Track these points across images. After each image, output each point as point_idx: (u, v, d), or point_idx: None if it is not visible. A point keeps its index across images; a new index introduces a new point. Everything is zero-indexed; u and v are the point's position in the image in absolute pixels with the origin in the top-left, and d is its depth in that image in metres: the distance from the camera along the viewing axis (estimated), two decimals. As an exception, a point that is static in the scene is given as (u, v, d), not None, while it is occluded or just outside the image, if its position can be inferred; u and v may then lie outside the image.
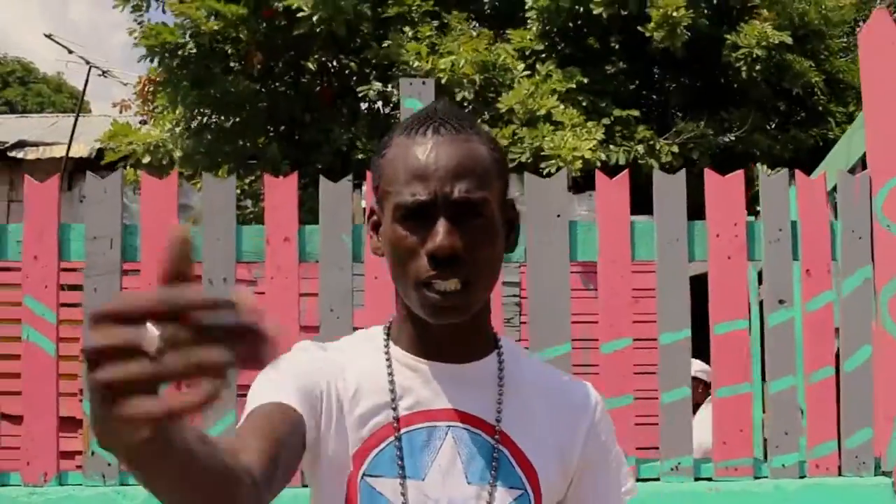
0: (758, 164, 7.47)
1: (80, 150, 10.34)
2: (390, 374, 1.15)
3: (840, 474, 2.91)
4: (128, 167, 8.12)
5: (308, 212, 3.00)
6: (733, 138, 8.16)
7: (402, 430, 1.13)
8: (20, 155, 10.67)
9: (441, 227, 1.06)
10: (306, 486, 1.27)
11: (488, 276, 1.12)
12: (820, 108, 9.03)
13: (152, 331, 0.65)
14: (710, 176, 3.00)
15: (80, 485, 2.92)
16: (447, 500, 1.11)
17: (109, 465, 2.89)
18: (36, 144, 10.78)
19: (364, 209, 3.12)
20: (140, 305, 0.66)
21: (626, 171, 3.03)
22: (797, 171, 3.12)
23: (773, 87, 8.69)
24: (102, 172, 3.09)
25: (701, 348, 3.03)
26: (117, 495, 2.87)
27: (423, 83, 3.03)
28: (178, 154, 7.71)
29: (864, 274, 2.97)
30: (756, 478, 2.91)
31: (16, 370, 2.98)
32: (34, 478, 2.91)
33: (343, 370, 1.16)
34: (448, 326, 1.12)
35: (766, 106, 8.84)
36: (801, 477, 2.91)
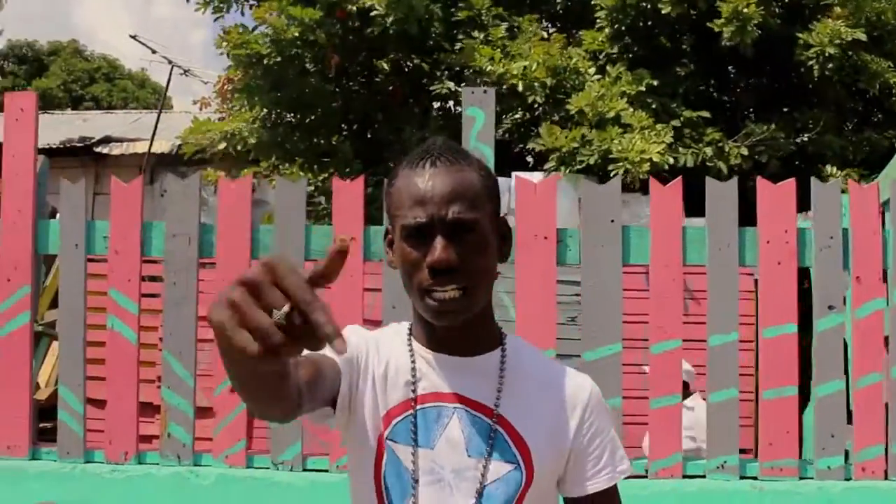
0: (827, 167, 7.39)
1: (162, 146, 10.70)
2: (412, 360, 1.37)
3: (886, 478, 2.96)
4: (203, 165, 8.41)
5: (380, 209, 3.15)
6: (805, 140, 8.06)
7: (418, 406, 1.35)
8: (105, 150, 11.08)
9: (438, 243, 1.28)
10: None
11: (483, 282, 1.33)
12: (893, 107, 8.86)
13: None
14: (761, 183, 3.07)
15: (157, 464, 3.13)
16: (451, 468, 1.33)
17: (184, 446, 3.10)
18: (120, 140, 11.18)
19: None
20: (286, 285, 0.90)
21: (679, 178, 3.12)
22: (850, 181, 3.17)
23: (848, 88, 8.54)
24: (183, 169, 3.30)
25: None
26: (190, 474, 3.07)
27: (485, 91, 3.16)
28: (252, 141, 7.92)
29: (916, 281, 3.02)
30: (801, 478, 2.98)
31: (101, 356, 3.20)
32: (116, 456, 3.13)
33: (378, 349, 1.39)
34: (451, 326, 1.33)
35: (840, 107, 8.70)
36: (847, 479, 2.97)
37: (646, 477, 2.98)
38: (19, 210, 3.21)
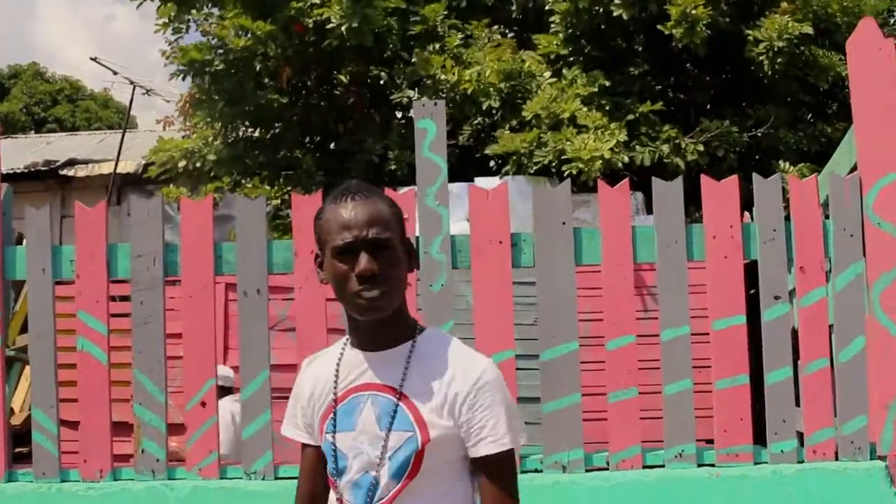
0: (780, 161, 7.55)
1: (128, 166, 10.70)
2: (337, 367, 1.77)
3: (837, 459, 3.09)
4: (169, 183, 8.44)
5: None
6: (759, 135, 8.22)
7: (340, 403, 1.75)
8: (70, 173, 11.06)
9: (362, 257, 1.65)
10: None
11: (397, 286, 1.69)
12: (849, 102, 9.04)
13: None
14: (706, 181, 3.19)
15: (133, 479, 3.20)
16: (368, 441, 1.71)
17: (158, 461, 3.17)
18: (86, 162, 11.17)
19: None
20: None
21: (626, 179, 3.24)
22: (790, 176, 3.30)
23: (801, 82, 8.71)
24: (150, 188, 3.37)
25: (753, 334, 3.19)
26: (165, 488, 3.14)
27: (435, 104, 3.26)
28: (211, 158, 8.00)
29: (857, 269, 3.15)
30: (756, 463, 3.10)
31: (72, 378, 3.26)
32: (91, 474, 3.20)
33: (302, 386, 1.83)
34: (374, 321, 1.69)
35: (793, 101, 8.87)
36: (800, 462, 3.09)
37: (607, 469, 3.09)
38: (-15, 238, 3.26)
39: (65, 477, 3.23)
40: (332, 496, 1.76)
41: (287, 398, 3.49)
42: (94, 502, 3.15)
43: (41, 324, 3.25)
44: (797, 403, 3.18)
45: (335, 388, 1.75)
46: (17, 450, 4.03)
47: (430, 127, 3.18)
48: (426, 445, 1.68)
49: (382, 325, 1.70)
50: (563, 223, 3.13)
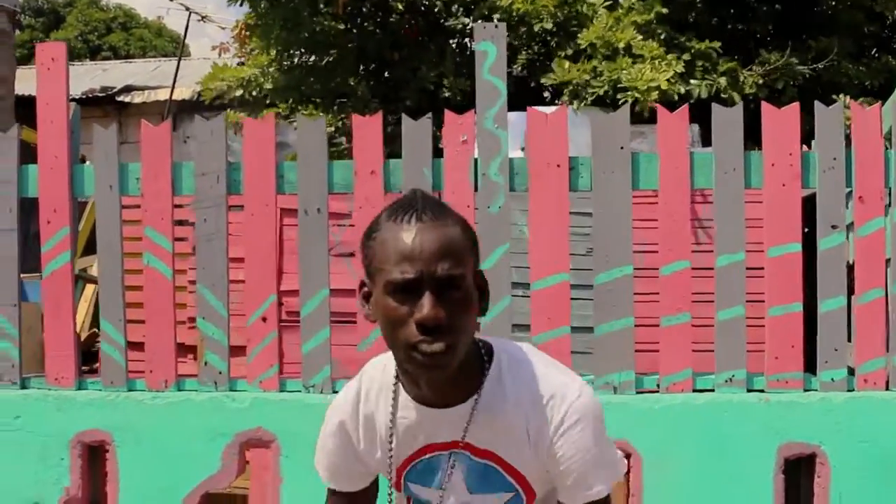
0: (841, 95, 7.40)
1: (183, 92, 10.81)
2: (391, 423, 1.53)
3: (887, 388, 3.11)
4: (227, 109, 8.52)
5: (399, 147, 3.27)
6: (821, 67, 8.04)
7: (420, 458, 1.53)
8: (127, 99, 11.22)
9: (427, 300, 1.32)
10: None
11: (466, 338, 1.39)
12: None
13: None
14: (766, 108, 3.17)
15: (196, 390, 3.33)
16: (461, 501, 1.52)
17: (220, 373, 3.29)
18: (142, 89, 11.31)
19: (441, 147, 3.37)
20: None
21: (685, 105, 3.23)
22: (853, 103, 3.26)
23: (866, 11, 8.48)
24: (205, 115, 3.43)
25: (808, 264, 3.18)
26: (227, 399, 3.26)
27: (496, 26, 3.26)
28: (268, 86, 8.02)
29: (917, 200, 3.12)
30: (806, 390, 3.12)
31: (136, 300, 3.37)
32: (156, 384, 3.33)
33: (361, 425, 1.58)
34: (434, 378, 1.41)
35: (857, 33, 8.64)
36: (850, 390, 3.12)
37: (658, 391, 3.14)
38: (55, 156, 3.36)
39: (131, 386, 3.36)
40: None
41: (342, 322, 3.61)
42: (159, 410, 3.29)
43: (109, 238, 3.36)
44: (849, 337, 3.19)
45: (390, 452, 1.52)
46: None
47: (490, 49, 3.18)
48: (534, 501, 1.52)
49: (448, 379, 1.42)
50: (622, 147, 3.14)
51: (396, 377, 1.51)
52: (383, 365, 1.57)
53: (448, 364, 1.36)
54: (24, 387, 3.41)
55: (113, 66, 16.28)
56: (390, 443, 1.50)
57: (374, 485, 1.68)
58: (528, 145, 3.20)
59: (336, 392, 3.26)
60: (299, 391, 3.28)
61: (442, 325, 1.32)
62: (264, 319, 3.28)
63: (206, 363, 3.33)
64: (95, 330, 5.93)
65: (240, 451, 3.26)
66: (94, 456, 3.45)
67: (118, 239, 3.35)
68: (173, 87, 10.11)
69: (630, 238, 3.13)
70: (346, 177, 3.27)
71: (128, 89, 11.22)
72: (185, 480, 3.26)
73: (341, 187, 3.28)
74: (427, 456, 1.50)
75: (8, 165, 3.39)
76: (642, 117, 6.63)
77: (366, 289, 1.43)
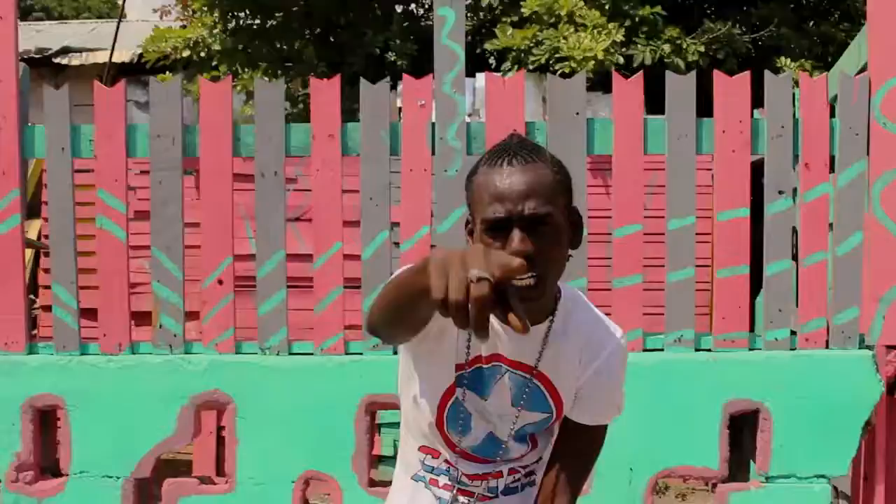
0: (783, 57, 7.57)
1: (122, 55, 10.56)
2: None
3: (827, 347, 3.23)
4: (167, 72, 8.38)
5: (343, 112, 3.28)
6: (762, 36, 8.20)
7: (483, 365, 1.59)
8: (64, 61, 10.93)
9: (515, 235, 1.43)
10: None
11: (556, 270, 1.50)
12: (848, 3, 8.99)
13: None
14: (718, 76, 3.24)
15: (151, 353, 3.32)
16: (497, 413, 1.61)
17: (175, 336, 3.28)
18: (79, 50, 11.02)
19: (399, 108, 3.39)
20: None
21: (640, 73, 3.28)
22: (802, 74, 3.35)
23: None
24: (145, 78, 3.39)
25: (754, 229, 3.28)
26: (183, 361, 3.26)
27: (455, -8, 3.27)
28: (216, 47, 7.90)
29: (860, 168, 3.23)
30: (751, 349, 3.23)
31: (91, 266, 3.34)
32: (110, 348, 3.31)
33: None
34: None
35: (796, 3, 8.82)
36: (792, 349, 3.23)
37: (609, 352, 3.22)
38: (4, 116, 3.30)
39: (84, 350, 3.34)
40: (444, 444, 1.67)
41: (299, 287, 3.61)
42: (113, 374, 3.27)
43: (60, 200, 3.31)
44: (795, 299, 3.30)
45: (468, 348, 1.58)
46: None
47: (449, 15, 3.20)
48: (555, 423, 1.65)
49: (536, 305, 1.53)
50: (577, 113, 3.19)
51: None
52: None
53: (539, 293, 1.47)
54: (-28, 351, 3.36)
55: (47, 27, 15.82)
56: (468, 339, 1.58)
57: None
58: (486, 110, 3.23)
59: (292, 354, 3.29)
60: (255, 353, 3.29)
61: (530, 258, 1.40)
62: (220, 282, 3.28)
63: (160, 326, 3.31)
64: (32, 296, 5.83)
65: (196, 413, 3.26)
66: (47, 421, 3.42)
67: (70, 201, 3.31)
68: (113, 49, 9.88)
69: (585, 200, 3.19)
70: (304, 140, 3.27)
71: (65, 51, 10.92)
72: (140, 444, 3.26)
73: (298, 150, 3.27)
74: (486, 365, 1.59)
75: (-46, 126, 3.31)
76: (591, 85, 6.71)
77: (470, 226, 1.54)
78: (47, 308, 4.07)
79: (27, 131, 3.33)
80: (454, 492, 1.68)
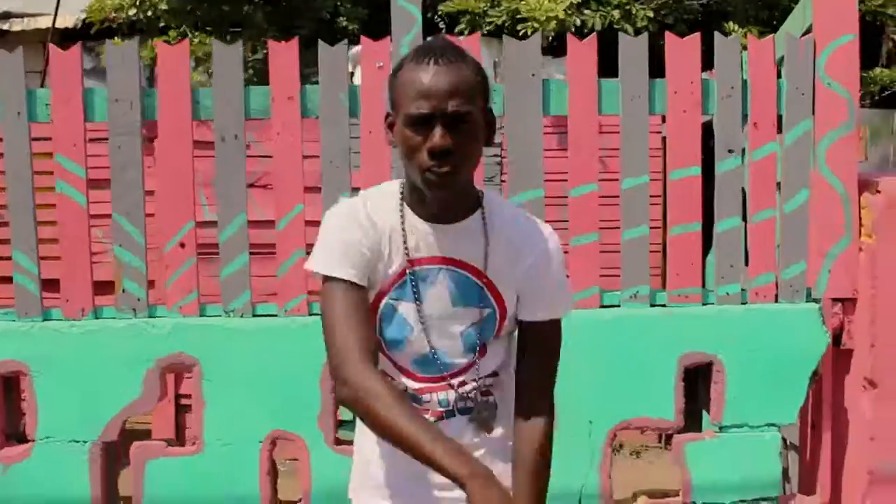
0: (731, 23, 7.69)
1: (66, 20, 10.36)
2: (403, 229, 1.66)
3: (776, 301, 3.35)
4: (111, 38, 8.25)
5: (310, 72, 3.30)
6: (711, 1, 8.31)
7: (412, 269, 1.66)
8: (6, 27, 10.68)
9: (437, 132, 1.53)
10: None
11: (470, 162, 1.61)
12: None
13: None
14: (669, 38, 3.32)
15: (114, 318, 3.33)
16: (437, 316, 1.66)
17: (139, 300, 3.30)
18: (20, 16, 10.78)
19: (351, 73, 3.41)
20: None
21: (594, 34, 3.35)
22: (749, 36, 3.44)
23: (754, -52, 8.76)
24: (90, 43, 3.37)
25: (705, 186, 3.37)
26: (147, 325, 3.28)
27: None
28: (163, 7, 7.81)
29: (805, 126, 3.34)
30: (704, 304, 3.34)
31: (53, 236, 3.32)
32: (73, 313, 3.32)
33: (374, 228, 1.66)
34: (441, 197, 1.61)
35: (744, -31, 8.94)
36: (743, 303, 3.35)
37: (567, 308, 3.31)
38: (-44, 80, 3.26)
39: (47, 316, 3.34)
40: (387, 364, 1.72)
41: (260, 254, 3.63)
42: (77, 339, 3.28)
43: (18, 166, 3.29)
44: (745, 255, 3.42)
45: (406, 251, 1.65)
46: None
47: (409, -15, 3.23)
48: (504, 318, 1.70)
49: (454, 197, 1.63)
50: (533, 75, 3.25)
51: (401, 196, 1.68)
52: (379, 189, 1.73)
53: (455, 183, 1.58)
54: (-69, 319, 3.34)
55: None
56: (404, 243, 1.65)
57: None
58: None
59: (256, 315, 3.32)
60: (219, 316, 3.32)
61: (450, 152, 1.53)
62: (182, 245, 3.29)
63: (123, 290, 3.32)
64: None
65: (161, 376, 3.29)
66: (10, 387, 3.42)
67: (28, 167, 3.29)
68: (56, 14, 9.68)
69: (541, 162, 3.26)
70: (263, 102, 3.28)
71: (6, 16, 10.68)
72: (106, 408, 3.28)
73: (258, 113, 3.29)
74: (419, 268, 1.65)
75: None
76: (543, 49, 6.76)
77: (390, 119, 1.63)
78: (4, 279, 4.03)
79: (-20, 97, 3.30)
80: None
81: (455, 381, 1.72)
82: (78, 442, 3.28)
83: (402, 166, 1.62)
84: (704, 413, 3.81)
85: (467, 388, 1.72)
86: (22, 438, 3.43)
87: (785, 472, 3.55)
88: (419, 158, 1.54)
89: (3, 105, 3.26)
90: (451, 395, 1.72)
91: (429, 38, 1.64)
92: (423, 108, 1.52)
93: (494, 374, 1.77)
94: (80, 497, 3.27)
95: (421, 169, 1.55)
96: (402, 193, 1.68)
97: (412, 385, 1.72)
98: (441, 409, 1.72)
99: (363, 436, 1.80)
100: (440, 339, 1.68)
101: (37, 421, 3.29)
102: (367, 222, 1.65)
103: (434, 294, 1.65)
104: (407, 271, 1.65)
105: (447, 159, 1.53)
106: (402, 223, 1.65)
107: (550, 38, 6.50)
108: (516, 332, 1.77)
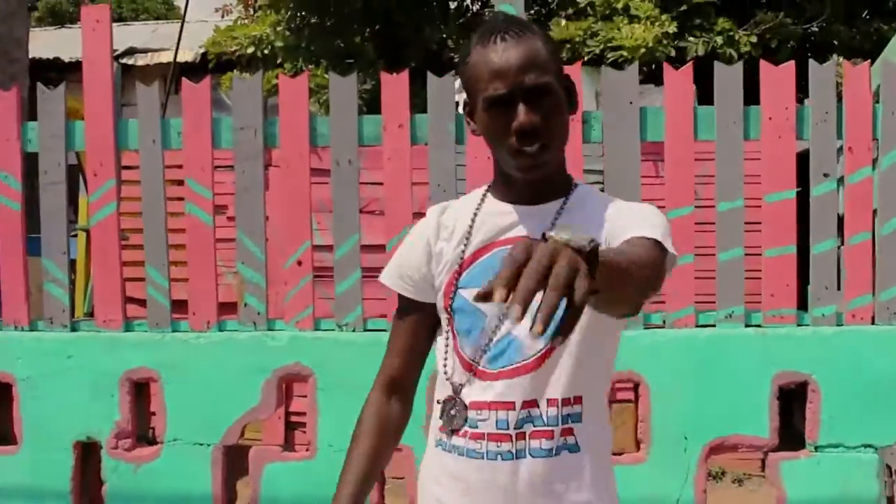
0: (833, 55, 7.65)
1: (185, 55, 10.96)
2: (472, 218, 1.58)
3: (873, 323, 3.39)
4: (227, 71, 8.72)
5: (421, 102, 3.51)
6: (814, 29, 8.29)
7: (478, 259, 1.56)
8: (130, 62, 11.36)
9: (521, 109, 1.45)
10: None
11: (560, 137, 1.51)
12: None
13: None
14: (764, 65, 3.42)
15: (237, 330, 3.59)
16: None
17: (259, 314, 3.55)
18: (144, 51, 11.46)
19: (457, 102, 3.61)
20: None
21: (690, 63, 3.47)
22: (845, 62, 3.52)
23: (860, -24, 8.70)
24: (209, 76, 3.66)
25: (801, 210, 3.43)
26: (266, 337, 3.53)
27: (514, -13, 3.49)
28: (279, 45, 8.23)
29: (902, 150, 3.38)
30: (799, 325, 3.41)
31: (178, 258, 3.62)
32: (199, 325, 3.59)
33: (439, 229, 1.62)
34: (536, 179, 1.51)
35: (848, -4, 8.87)
36: (839, 325, 3.40)
37: (663, 326, 3.42)
38: (101, 112, 3.60)
39: (175, 327, 3.63)
40: (452, 363, 1.59)
41: (371, 277, 3.83)
42: (203, 349, 3.55)
43: (152, 189, 3.60)
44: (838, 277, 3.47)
45: (466, 241, 1.56)
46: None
47: (508, 9, 3.42)
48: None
49: (539, 181, 1.52)
50: (631, 102, 3.39)
51: (487, 189, 1.62)
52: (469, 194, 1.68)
53: (549, 162, 1.49)
54: (73, 330, 3.66)
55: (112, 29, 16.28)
56: (469, 230, 1.57)
57: (427, 342, 1.69)
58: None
59: (367, 330, 3.53)
60: (333, 329, 3.55)
61: (538, 129, 1.44)
62: (300, 263, 3.54)
63: (245, 305, 3.59)
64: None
65: (278, 385, 3.53)
66: (142, 392, 3.72)
67: (161, 190, 3.59)
68: (177, 49, 10.26)
69: (639, 186, 3.39)
70: (374, 130, 3.51)
71: (131, 52, 11.37)
72: (228, 413, 3.54)
73: (370, 140, 3.52)
74: (496, 249, 1.54)
75: (56, 121, 3.62)
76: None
77: (468, 108, 1.56)
78: (131, 300, 4.37)
79: (121, 125, 3.62)
80: (466, 437, 1.56)
81: (526, 381, 1.51)
82: (202, 444, 3.54)
83: (492, 155, 1.55)
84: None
85: (539, 410, 1.51)
86: (151, 440, 3.72)
87: (889, 501, 3.54)
88: (507, 142, 1.46)
89: (140, 133, 3.58)
90: (512, 416, 1.51)
91: (486, 16, 1.51)
92: (500, 89, 1.44)
93: (578, 399, 1.52)
94: (204, 495, 3.53)
95: (511, 152, 1.47)
96: (486, 188, 1.63)
97: (475, 397, 1.55)
98: (499, 433, 1.52)
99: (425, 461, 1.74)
100: (513, 326, 1.51)
101: (165, 424, 3.56)
102: (436, 224, 1.61)
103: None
104: (472, 258, 1.56)
105: (536, 137, 1.45)
106: (475, 214, 1.57)
107: (653, 66, 6.61)
108: (612, 356, 1.60)
